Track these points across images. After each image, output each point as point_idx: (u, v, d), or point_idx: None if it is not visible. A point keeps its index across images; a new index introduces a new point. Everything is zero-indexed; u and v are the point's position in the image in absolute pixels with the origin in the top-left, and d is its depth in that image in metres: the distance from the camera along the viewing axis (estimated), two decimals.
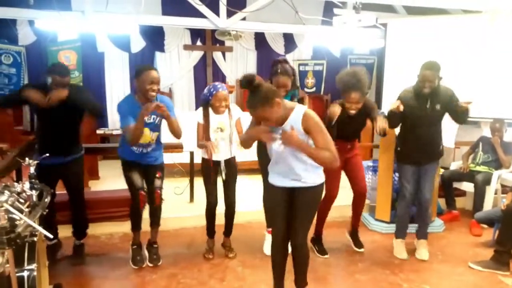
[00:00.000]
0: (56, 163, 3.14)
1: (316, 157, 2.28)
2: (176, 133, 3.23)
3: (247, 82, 2.25)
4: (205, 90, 3.29)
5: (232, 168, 3.39)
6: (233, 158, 3.42)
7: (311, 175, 2.43)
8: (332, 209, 3.61)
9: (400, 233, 3.64)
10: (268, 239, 3.59)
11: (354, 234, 3.70)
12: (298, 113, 2.31)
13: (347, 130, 3.33)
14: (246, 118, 3.36)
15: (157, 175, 3.25)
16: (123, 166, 3.25)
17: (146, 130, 3.13)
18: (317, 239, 3.65)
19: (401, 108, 3.28)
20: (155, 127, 3.21)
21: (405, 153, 3.50)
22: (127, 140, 3.07)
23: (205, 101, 3.28)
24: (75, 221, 3.45)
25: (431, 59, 3.35)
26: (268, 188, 2.61)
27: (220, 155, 3.32)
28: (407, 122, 3.41)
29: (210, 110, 3.29)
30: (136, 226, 3.33)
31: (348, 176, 3.53)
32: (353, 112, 3.21)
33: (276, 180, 2.51)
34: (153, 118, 3.16)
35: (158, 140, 3.28)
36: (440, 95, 3.31)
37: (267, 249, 3.49)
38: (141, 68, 3.09)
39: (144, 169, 3.25)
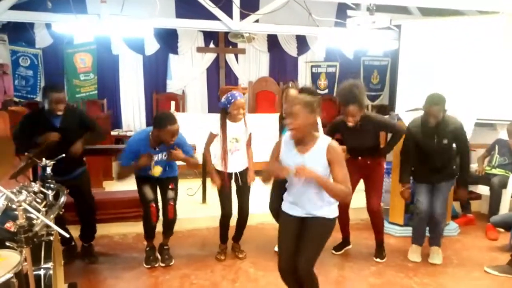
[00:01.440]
0: (63, 180, 3.12)
1: (331, 190, 2.27)
2: (194, 167, 3.42)
3: (307, 90, 2.45)
4: (223, 99, 3.32)
5: (246, 178, 3.42)
6: (247, 168, 3.45)
7: (324, 208, 2.39)
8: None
9: (416, 240, 3.63)
10: None
11: (377, 245, 3.64)
12: (324, 142, 2.29)
13: (352, 143, 3.40)
14: (257, 131, 3.47)
15: (170, 187, 3.29)
16: (136, 179, 3.31)
17: (158, 168, 3.22)
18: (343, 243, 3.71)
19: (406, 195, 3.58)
20: (168, 164, 3.27)
21: (418, 174, 3.59)
22: (116, 177, 3.20)
23: (223, 109, 3.31)
24: (84, 228, 3.48)
25: (436, 93, 3.32)
26: (281, 216, 2.58)
27: (235, 166, 3.36)
28: (417, 151, 3.48)
29: (227, 119, 3.32)
30: (149, 236, 3.36)
31: (365, 191, 3.56)
32: (351, 124, 3.23)
33: (289, 208, 2.49)
34: (164, 155, 3.21)
35: (169, 164, 3.31)
36: (447, 129, 3.33)
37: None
38: (163, 120, 3.07)
39: (158, 181, 3.31)
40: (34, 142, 3.09)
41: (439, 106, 3.25)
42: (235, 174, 3.39)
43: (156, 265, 3.33)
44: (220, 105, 3.35)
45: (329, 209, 2.40)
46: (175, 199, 3.29)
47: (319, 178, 2.24)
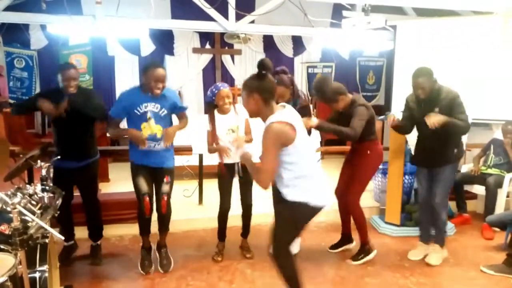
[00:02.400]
0: (71, 167, 3.20)
1: (251, 172, 2.28)
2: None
3: (261, 65, 2.30)
4: (208, 93, 3.34)
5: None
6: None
7: (290, 191, 2.30)
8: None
9: (420, 236, 3.66)
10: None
11: (360, 245, 3.59)
12: (267, 123, 2.20)
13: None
14: (252, 131, 3.44)
15: (165, 180, 3.20)
16: (131, 169, 3.25)
17: (151, 121, 3.11)
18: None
19: (392, 118, 3.50)
20: (161, 120, 3.15)
21: (415, 155, 3.56)
22: (107, 131, 3.12)
23: (210, 103, 3.32)
24: (90, 224, 3.50)
25: (421, 66, 3.34)
26: None
27: (235, 157, 3.32)
28: (417, 128, 3.47)
29: (216, 113, 3.32)
30: (143, 231, 3.32)
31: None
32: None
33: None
34: (157, 108, 3.12)
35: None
36: (440, 99, 3.26)
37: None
38: (148, 65, 3.12)
39: (153, 172, 3.22)
40: (35, 105, 3.09)
41: (424, 77, 3.24)
42: (237, 164, 3.37)
43: (151, 270, 3.28)
44: (206, 99, 3.36)
45: (296, 192, 2.29)
46: (169, 193, 3.20)
47: (244, 156, 2.30)
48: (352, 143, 3.57)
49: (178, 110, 3.28)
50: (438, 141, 3.31)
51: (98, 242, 3.53)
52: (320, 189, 2.34)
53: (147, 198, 3.13)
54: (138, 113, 3.09)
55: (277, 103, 3.15)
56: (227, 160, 3.32)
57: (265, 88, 2.22)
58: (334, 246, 3.75)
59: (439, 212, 3.42)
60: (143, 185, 3.16)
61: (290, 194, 2.30)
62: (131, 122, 3.16)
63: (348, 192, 3.49)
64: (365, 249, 3.52)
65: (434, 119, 3.11)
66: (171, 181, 3.24)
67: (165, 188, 3.19)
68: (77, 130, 3.20)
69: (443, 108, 3.23)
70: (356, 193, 3.47)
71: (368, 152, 3.41)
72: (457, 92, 3.30)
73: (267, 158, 2.15)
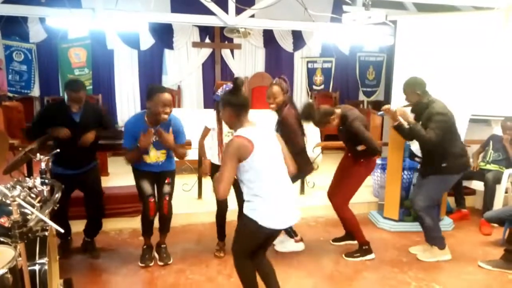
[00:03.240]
0: (70, 174, 3.21)
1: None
2: (180, 157, 3.28)
3: (235, 83, 2.40)
4: (219, 91, 3.30)
5: None
6: None
7: (247, 205, 2.34)
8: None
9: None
10: (282, 239, 3.65)
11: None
12: (231, 138, 2.32)
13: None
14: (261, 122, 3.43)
15: (166, 181, 3.26)
16: (134, 174, 3.28)
17: (153, 151, 3.16)
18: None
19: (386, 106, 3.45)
20: (161, 145, 3.18)
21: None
22: (125, 161, 3.17)
23: (219, 102, 3.30)
24: (89, 224, 3.48)
25: (413, 76, 3.42)
26: None
27: None
28: None
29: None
30: (146, 232, 3.33)
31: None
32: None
33: None
34: (156, 138, 3.15)
35: (168, 155, 3.26)
36: (424, 111, 3.32)
37: (279, 247, 3.61)
38: (153, 90, 3.07)
39: (154, 175, 3.27)
40: (46, 132, 3.13)
41: (407, 87, 3.37)
42: None
43: (151, 264, 3.30)
44: (215, 97, 3.34)
45: (245, 205, 2.35)
46: (170, 194, 3.27)
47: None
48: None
49: (178, 140, 3.23)
50: (424, 151, 3.46)
51: (93, 239, 3.53)
52: (274, 213, 2.29)
53: (152, 200, 3.17)
54: None
55: (270, 103, 3.31)
56: (217, 161, 3.33)
57: (236, 103, 2.32)
58: (338, 239, 3.78)
59: (421, 217, 3.44)
60: (147, 187, 3.20)
61: (246, 208, 2.35)
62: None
63: (336, 195, 3.53)
64: (362, 249, 3.50)
65: (390, 108, 3.35)
66: (172, 182, 3.30)
67: (166, 188, 3.25)
68: (77, 143, 3.18)
69: (423, 121, 3.28)
70: (344, 197, 3.49)
71: (362, 160, 3.40)
72: (444, 110, 3.25)
73: (223, 169, 2.21)
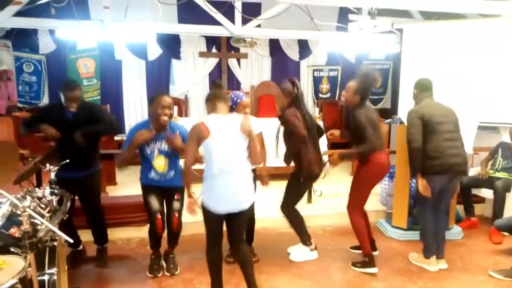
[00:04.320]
0: (73, 177, 3.21)
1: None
2: None
3: (214, 83, 2.85)
4: (232, 98, 3.34)
5: (254, 178, 3.42)
6: (255, 169, 3.43)
7: (203, 184, 2.70)
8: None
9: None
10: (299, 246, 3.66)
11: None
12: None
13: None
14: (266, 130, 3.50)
15: (175, 197, 3.24)
16: (142, 190, 3.29)
17: (161, 159, 3.16)
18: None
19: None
20: (170, 155, 3.18)
21: None
22: (116, 163, 3.21)
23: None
24: (93, 231, 3.52)
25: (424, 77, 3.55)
26: None
27: None
28: None
29: None
30: (155, 246, 3.36)
31: None
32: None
33: None
34: (166, 147, 3.15)
35: (178, 166, 3.25)
36: None
37: (294, 256, 3.65)
38: (154, 95, 3.18)
39: (163, 191, 3.26)
40: (39, 128, 3.18)
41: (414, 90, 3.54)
42: None
43: (159, 274, 3.31)
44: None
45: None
46: (180, 211, 3.25)
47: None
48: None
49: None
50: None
51: (104, 245, 3.55)
52: (214, 196, 2.62)
53: (159, 216, 3.17)
54: (146, 153, 3.15)
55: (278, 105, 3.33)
56: None
57: (209, 97, 2.78)
58: (355, 247, 3.72)
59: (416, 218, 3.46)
60: (155, 203, 3.20)
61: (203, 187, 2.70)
62: (142, 156, 3.21)
63: (348, 201, 3.49)
64: (365, 261, 3.44)
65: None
66: (181, 198, 3.27)
67: (175, 205, 3.24)
68: (74, 144, 3.18)
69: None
70: (353, 202, 3.45)
71: (367, 161, 3.32)
72: (413, 111, 3.42)
73: (187, 145, 2.69)
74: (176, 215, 3.21)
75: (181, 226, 3.30)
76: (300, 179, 3.46)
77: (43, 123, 3.20)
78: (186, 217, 3.53)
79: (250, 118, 3.40)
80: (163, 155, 3.16)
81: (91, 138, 3.29)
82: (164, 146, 3.15)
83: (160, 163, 3.16)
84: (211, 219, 2.67)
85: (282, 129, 3.49)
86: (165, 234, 3.35)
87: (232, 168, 2.60)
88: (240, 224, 2.78)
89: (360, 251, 3.57)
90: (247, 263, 2.78)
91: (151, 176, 3.20)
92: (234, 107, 3.28)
